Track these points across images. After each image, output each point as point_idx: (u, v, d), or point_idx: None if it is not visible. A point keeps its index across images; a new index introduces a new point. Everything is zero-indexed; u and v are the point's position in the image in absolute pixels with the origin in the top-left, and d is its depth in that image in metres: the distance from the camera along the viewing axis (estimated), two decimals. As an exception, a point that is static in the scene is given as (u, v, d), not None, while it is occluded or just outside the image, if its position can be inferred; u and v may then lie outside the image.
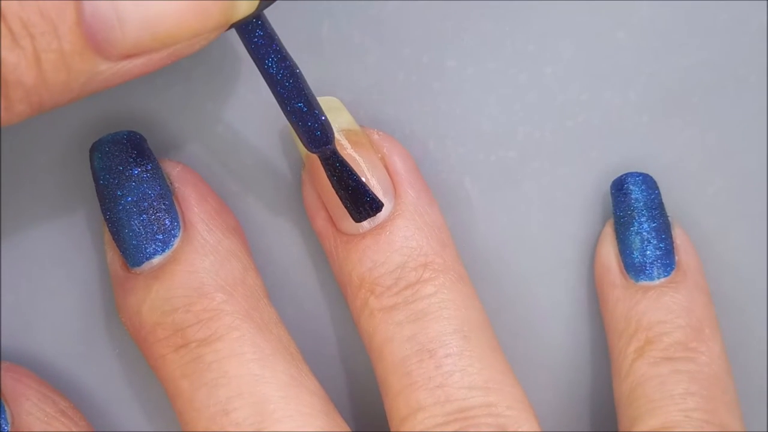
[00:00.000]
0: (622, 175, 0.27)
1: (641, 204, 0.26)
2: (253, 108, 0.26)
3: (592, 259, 0.28)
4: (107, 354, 0.27)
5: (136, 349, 0.26)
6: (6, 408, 0.24)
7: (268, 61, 0.22)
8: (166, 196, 0.24)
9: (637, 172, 0.27)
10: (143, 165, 0.24)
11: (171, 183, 0.25)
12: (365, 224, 0.25)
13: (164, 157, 0.26)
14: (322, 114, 0.23)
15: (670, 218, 0.27)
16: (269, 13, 0.24)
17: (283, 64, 0.22)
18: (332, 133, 0.23)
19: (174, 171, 0.25)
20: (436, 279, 0.25)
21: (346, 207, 0.24)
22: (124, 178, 0.24)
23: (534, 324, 0.28)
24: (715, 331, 0.26)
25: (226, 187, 0.26)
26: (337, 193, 0.24)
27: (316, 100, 0.23)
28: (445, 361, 0.24)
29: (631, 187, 0.27)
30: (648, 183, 0.27)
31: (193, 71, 0.26)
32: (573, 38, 0.26)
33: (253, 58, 0.22)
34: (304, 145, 0.23)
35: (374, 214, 0.25)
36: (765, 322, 0.28)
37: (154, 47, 0.19)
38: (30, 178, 0.26)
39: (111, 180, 0.24)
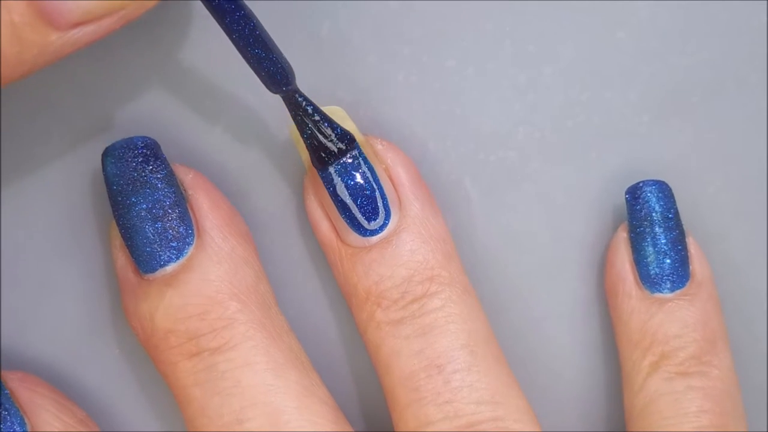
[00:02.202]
0: (638, 183, 0.26)
1: (658, 215, 0.26)
2: (253, 108, 0.26)
3: (593, 259, 0.28)
4: (108, 355, 0.27)
5: (138, 351, 0.26)
6: (26, 420, 0.24)
7: (223, 11, 0.22)
8: (181, 203, 0.24)
9: (652, 180, 0.26)
10: (157, 172, 0.24)
11: (185, 190, 0.25)
12: (372, 238, 0.25)
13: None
14: (281, 57, 0.23)
15: (684, 227, 0.27)
16: (268, 10, 0.24)
17: (238, 14, 0.22)
18: (292, 75, 0.23)
19: (187, 177, 0.25)
20: (443, 292, 0.25)
21: (313, 147, 0.24)
22: (139, 184, 0.24)
23: (534, 324, 0.28)
24: (726, 343, 0.26)
25: (226, 187, 0.26)
26: (302, 135, 0.24)
27: (274, 44, 0.23)
28: (454, 377, 0.24)
29: (647, 196, 0.26)
30: (665, 192, 0.26)
31: (193, 71, 0.26)
32: (573, 38, 0.26)
33: (208, 9, 0.22)
34: (266, 87, 0.23)
35: (346, 148, 0.24)
36: (765, 322, 0.28)
37: (103, 13, 0.19)
38: (34, 179, 0.26)
39: (125, 186, 0.24)
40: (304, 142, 0.24)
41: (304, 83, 0.26)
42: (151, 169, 0.24)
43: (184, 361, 0.24)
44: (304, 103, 0.24)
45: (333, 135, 0.24)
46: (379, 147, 0.25)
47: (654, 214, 0.26)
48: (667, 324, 0.26)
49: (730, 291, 0.28)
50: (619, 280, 0.27)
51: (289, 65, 0.23)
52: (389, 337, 0.25)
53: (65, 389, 0.26)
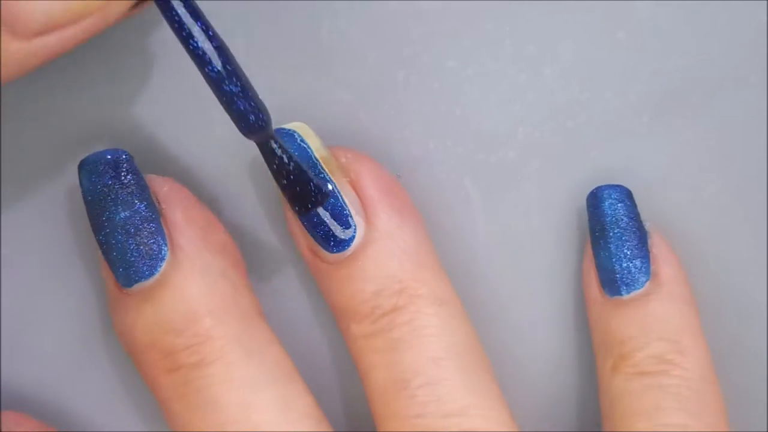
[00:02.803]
0: (594, 189, 0.26)
1: (609, 218, 0.26)
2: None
3: (591, 259, 0.28)
4: (105, 361, 0.27)
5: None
6: None
7: (193, 39, 0.20)
8: (154, 218, 0.24)
9: (608, 185, 0.26)
10: (128, 186, 0.24)
11: (158, 203, 0.25)
12: (342, 254, 0.25)
13: (157, 163, 0.26)
14: (256, 96, 0.21)
15: (647, 226, 0.26)
16: (268, 10, 0.24)
17: (210, 45, 0.20)
18: (269, 118, 0.21)
19: (161, 190, 0.25)
20: (412, 305, 0.25)
21: (289, 200, 0.24)
22: (110, 200, 0.24)
23: (533, 324, 0.28)
24: (694, 341, 0.26)
25: (224, 189, 0.26)
26: (278, 184, 0.23)
27: (248, 81, 0.21)
28: (419, 392, 0.24)
29: (598, 202, 0.26)
30: (617, 196, 0.26)
31: (191, 74, 0.26)
32: (573, 38, 0.26)
33: (177, 37, 0.20)
34: (239, 130, 0.21)
35: (320, 203, 0.24)
36: (765, 322, 0.28)
37: (65, 20, 0.18)
38: (29, 187, 0.26)
39: (97, 201, 0.24)
40: (280, 189, 0.24)
41: (304, 83, 0.26)
42: (122, 184, 0.24)
43: (164, 376, 0.24)
44: (280, 154, 0.23)
45: (308, 188, 0.23)
46: (344, 160, 0.25)
47: (605, 218, 0.26)
48: (624, 326, 0.26)
49: (730, 291, 0.28)
50: (587, 287, 0.27)
51: (266, 108, 0.21)
52: (363, 352, 0.25)
53: (64, 391, 0.27)
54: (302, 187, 0.23)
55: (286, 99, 0.26)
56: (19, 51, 0.18)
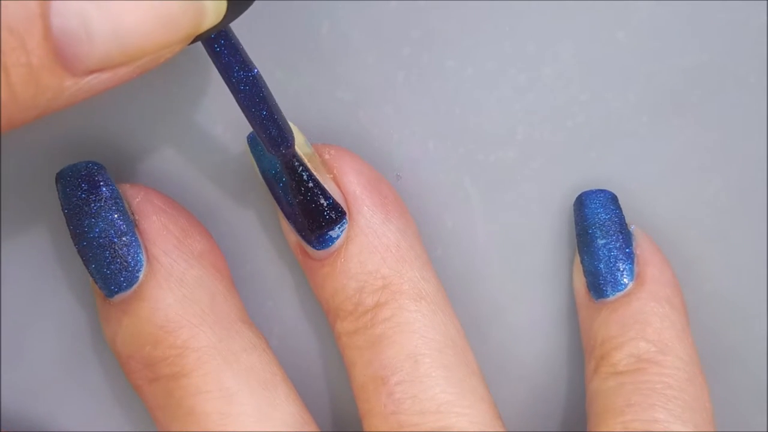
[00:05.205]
0: (579, 194, 0.27)
1: (590, 223, 0.26)
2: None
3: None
4: (103, 364, 0.27)
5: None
6: None
7: (232, 70, 0.22)
8: (128, 231, 0.24)
9: (591, 190, 0.27)
10: (100, 200, 0.24)
11: (132, 214, 0.25)
12: (326, 251, 0.25)
13: (146, 167, 0.26)
14: (282, 119, 0.23)
15: (632, 229, 0.27)
16: (269, 10, 0.24)
17: (246, 74, 0.22)
18: (292, 138, 0.23)
19: (134, 201, 0.25)
20: (394, 302, 0.25)
21: (306, 216, 0.24)
22: (84, 213, 0.24)
23: (533, 324, 0.28)
24: (677, 341, 0.26)
25: (211, 190, 0.26)
26: (296, 199, 0.24)
27: (277, 106, 0.23)
28: (396, 389, 0.24)
29: (582, 207, 0.26)
30: (599, 201, 0.26)
31: (190, 75, 0.26)
32: (573, 38, 0.26)
33: (217, 67, 0.22)
34: (266, 148, 0.23)
35: (338, 220, 0.24)
36: (765, 322, 0.28)
37: (122, 61, 0.19)
38: (26, 190, 0.26)
39: (73, 214, 0.24)
40: (297, 205, 0.24)
41: (304, 83, 0.26)
42: (95, 198, 0.24)
43: (146, 385, 0.24)
44: (300, 170, 0.24)
45: (325, 204, 0.24)
46: (327, 156, 0.25)
47: (586, 223, 0.26)
48: (605, 327, 0.26)
49: (730, 291, 0.28)
50: (576, 291, 0.27)
51: (290, 129, 0.23)
52: (347, 348, 0.25)
53: (62, 393, 0.26)
54: (318, 205, 0.24)
55: (286, 99, 0.26)
56: (72, 86, 0.18)
